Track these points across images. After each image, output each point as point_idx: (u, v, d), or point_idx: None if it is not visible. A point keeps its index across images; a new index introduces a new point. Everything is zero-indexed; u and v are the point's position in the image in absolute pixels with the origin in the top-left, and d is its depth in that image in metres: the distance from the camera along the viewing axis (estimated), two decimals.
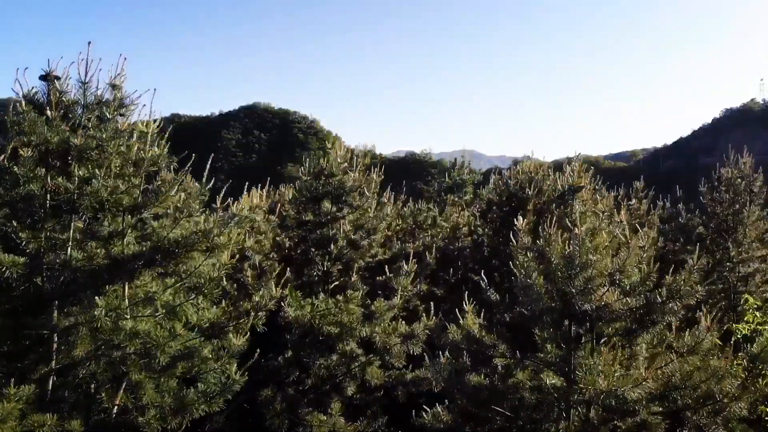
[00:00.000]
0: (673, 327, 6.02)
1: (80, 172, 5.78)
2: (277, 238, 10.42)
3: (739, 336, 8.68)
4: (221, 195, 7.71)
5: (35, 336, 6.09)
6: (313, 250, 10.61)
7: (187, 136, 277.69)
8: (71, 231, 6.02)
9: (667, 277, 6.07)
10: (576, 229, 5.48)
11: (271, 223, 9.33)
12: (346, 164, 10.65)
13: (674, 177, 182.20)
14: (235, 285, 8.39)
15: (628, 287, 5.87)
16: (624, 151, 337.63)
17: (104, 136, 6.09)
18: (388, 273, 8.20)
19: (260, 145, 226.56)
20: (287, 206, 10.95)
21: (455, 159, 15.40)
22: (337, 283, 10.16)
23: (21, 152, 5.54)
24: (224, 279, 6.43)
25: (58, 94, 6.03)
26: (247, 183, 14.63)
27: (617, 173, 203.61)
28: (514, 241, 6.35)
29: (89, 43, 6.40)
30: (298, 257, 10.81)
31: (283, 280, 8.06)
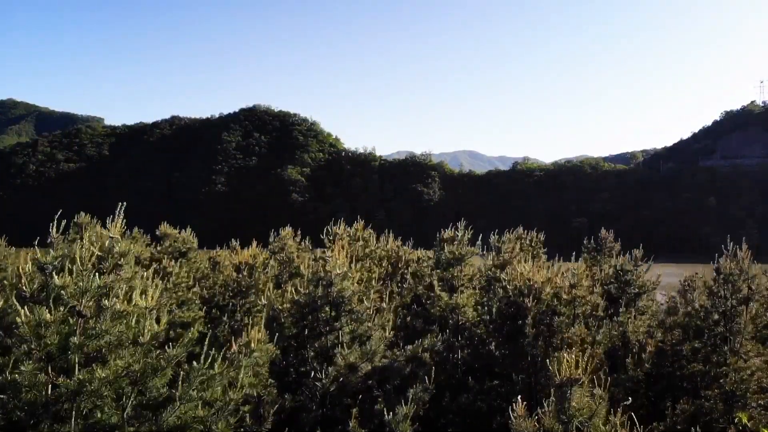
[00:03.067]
0: None
1: (80, 375, 5.83)
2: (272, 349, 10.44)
3: None
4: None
5: None
6: (311, 354, 10.67)
7: (188, 138, 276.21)
8: (71, 425, 6.08)
9: None
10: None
11: (270, 354, 9.36)
12: (345, 269, 10.67)
13: (674, 180, 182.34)
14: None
15: None
16: (624, 152, 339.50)
17: (104, 326, 6.14)
18: (386, 414, 8.26)
19: (260, 147, 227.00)
20: (284, 312, 10.98)
21: (453, 232, 15.35)
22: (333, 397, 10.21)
23: (23, 366, 5.59)
24: None
25: (56, 289, 6.07)
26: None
27: (617, 176, 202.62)
28: (512, 418, 6.40)
29: (88, 234, 6.48)
30: (295, 365, 10.86)
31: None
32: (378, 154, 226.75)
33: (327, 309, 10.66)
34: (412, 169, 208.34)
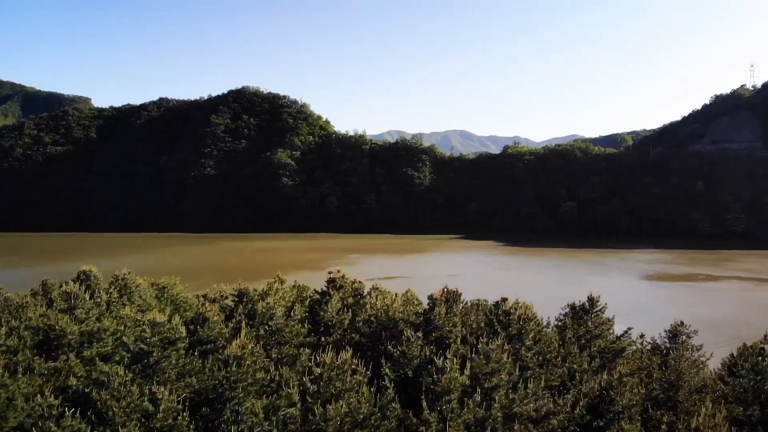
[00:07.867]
0: None
1: None
2: None
3: None
4: None
5: None
6: None
7: (176, 120, 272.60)
8: None
9: None
10: None
11: None
12: None
13: (663, 164, 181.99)
14: None
15: None
16: (614, 133, 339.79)
17: None
18: None
19: (249, 129, 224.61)
20: None
21: (443, 361, 15.06)
22: None
23: None
24: None
25: None
26: None
27: (607, 160, 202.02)
28: None
29: None
30: None
31: None
32: (368, 133, 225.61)
33: None
34: (403, 153, 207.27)
